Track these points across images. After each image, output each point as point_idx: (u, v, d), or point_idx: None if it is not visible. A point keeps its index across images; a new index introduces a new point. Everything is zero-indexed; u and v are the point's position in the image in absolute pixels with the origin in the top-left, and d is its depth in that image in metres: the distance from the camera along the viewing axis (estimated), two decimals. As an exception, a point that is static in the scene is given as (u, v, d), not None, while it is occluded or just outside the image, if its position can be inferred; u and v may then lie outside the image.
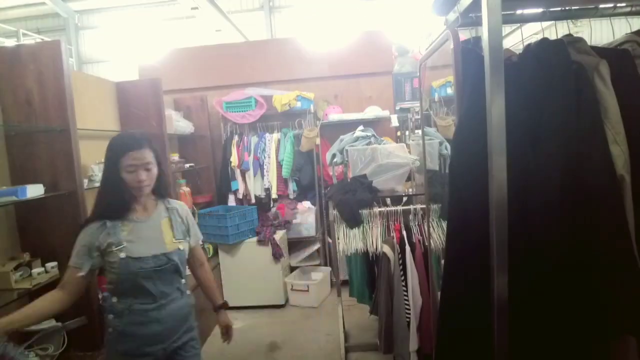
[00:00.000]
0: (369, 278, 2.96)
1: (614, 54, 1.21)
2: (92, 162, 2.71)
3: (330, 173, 3.73)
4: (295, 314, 3.82)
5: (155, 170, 1.59)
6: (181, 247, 1.65)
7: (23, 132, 2.16)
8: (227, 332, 1.97)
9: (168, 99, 4.09)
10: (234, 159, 4.32)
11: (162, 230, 1.64)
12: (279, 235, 4.02)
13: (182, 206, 1.77)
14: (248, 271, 3.87)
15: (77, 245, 1.54)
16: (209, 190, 4.51)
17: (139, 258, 1.54)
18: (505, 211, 1.06)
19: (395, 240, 2.50)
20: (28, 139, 2.16)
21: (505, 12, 1.28)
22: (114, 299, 1.56)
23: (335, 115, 4.35)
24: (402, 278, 2.42)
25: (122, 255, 1.51)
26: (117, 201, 1.56)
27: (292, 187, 4.40)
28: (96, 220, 1.55)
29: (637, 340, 1.22)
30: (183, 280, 1.68)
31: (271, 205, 4.49)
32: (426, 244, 2.45)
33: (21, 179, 2.14)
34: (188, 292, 1.72)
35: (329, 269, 4.25)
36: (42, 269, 2.03)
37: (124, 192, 1.55)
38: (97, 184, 2.58)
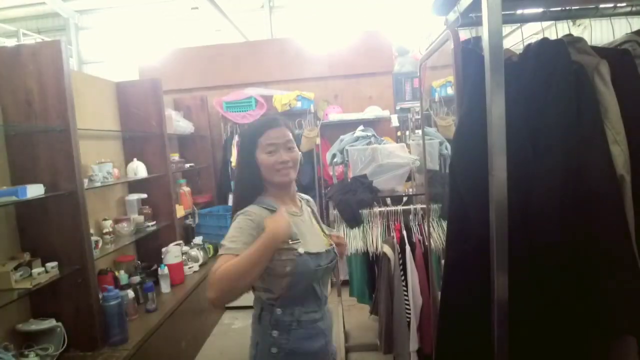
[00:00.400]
0: (369, 278, 2.96)
1: (614, 54, 1.21)
2: (92, 162, 2.72)
3: (331, 173, 3.72)
4: (295, 313, 3.81)
5: (297, 152, 1.35)
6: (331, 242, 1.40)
7: (23, 132, 2.16)
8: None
9: (168, 99, 4.09)
10: (234, 159, 4.32)
11: (314, 223, 1.42)
12: (279, 235, 4.01)
13: (310, 199, 1.54)
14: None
15: (238, 231, 1.23)
16: (209, 190, 4.51)
17: (317, 254, 1.29)
18: (505, 211, 1.06)
19: (395, 240, 2.50)
20: (28, 139, 2.16)
21: (505, 12, 1.28)
22: (279, 311, 1.29)
23: (335, 115, 4.35)
24: (402, 278, 2.42)
25: (301, 250, 1.25)
26: (250, 191, 1.34)
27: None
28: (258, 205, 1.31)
29: (637, 340, 1.22)
30: None
31: (271, 205, 4.48)
32: (426, 243, 2.45)
33: (21, 179, 2.14)
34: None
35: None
36: (42, 268, 2.03)
37: (259, 181, 1.33)
38: (98, 184, 2.61)
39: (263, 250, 1.14)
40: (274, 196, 1.35)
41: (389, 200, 2.96)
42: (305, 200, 1.49)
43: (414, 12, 5.92)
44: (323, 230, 1.44)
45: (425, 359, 2.45)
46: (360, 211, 2.67)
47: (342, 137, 3.36)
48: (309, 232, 1.36)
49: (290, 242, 1.25)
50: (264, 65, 4.69)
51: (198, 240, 3.76)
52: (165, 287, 3.01)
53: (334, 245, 1.39)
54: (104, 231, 2.74)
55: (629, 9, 1.36)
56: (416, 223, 2.62)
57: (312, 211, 1.49)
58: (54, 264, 2.08)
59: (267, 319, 1.31)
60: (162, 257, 3.12)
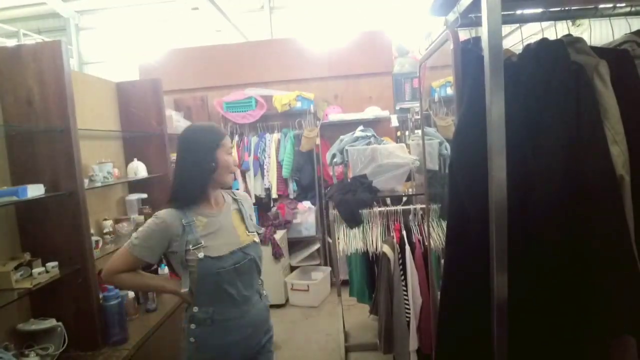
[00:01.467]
0: (369, 278, 2.96)
1: (613, 54, 1.22)
2: (92, 162, 2.72)
3: (330, 173, 3.73)
4: (295, 313, 3.82)
5: None
6: (256, 239, 1.58)
7: (23, 132, 2.16)
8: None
9: (168, 99, 4.09)
10: (234, 159, 4.32)
11: (234, 223, 1.56)
12: (279, 235, 4.02)
13: (247, 197, 1.70)
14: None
15: (146, 233, 1.46)
16: (209, 190, 4.51)
17: (219, 257, 1.45)
18: (504, 211, 1.06)
19: (395, 240, 2.50)
20: (28, 139, 2.16)
21: (504, 13, 1.28)
22: (195, 308, 1.48)
23: (335, 115, 4.35)
24: (402, 278, 2.42)
25: (201, 255, 1.42)
26: (196, 191, 1.49)
27: (292, 187, 4.40)
28: (175, 209, 1.48)
29: (637, 341, 1.22)
30: (260, 280, 1.62)
31: (271, 205, 4.49)
32: (426, 243, 2.45)
33: (21, 179, 2.14)
34: (265, 292, 1.66)
35: (329, 268, 4.25)
36: (43, 268, 2.03)
37: (207, 181, 1.50)
38: (98, 184, 2.61)
39: (156, 289, 1.69)
40: (208, 196, 1.53)
41: (388, 200, 2.96)
42: (237, 198, 1.65)
43: (414, 12, 5.92)
44: (247, 229, 1.58)
45: (424, 358, 2.45)
46: (360, 211, 2.68)
47: (342, 137, 3.36)
48: (221, 232, 1.50)
49: (192, 248, 1.42)
50: (264, 65, 4.70)
51: (198, 240, 3.75)
52: (165, 287, 3.01)
53: (248, 245, 1.53)
54: (105, 231, 2.74)
55: (628, 9, 1.36)
56: (416, 223, 2.62)
57: (240, 209, 1.61)
58: (54, 264, 2.08)
59: (189, 312, 1.50)
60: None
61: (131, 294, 2.59)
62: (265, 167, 4.35)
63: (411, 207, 2.68)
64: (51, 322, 2.08)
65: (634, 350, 1.23)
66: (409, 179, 3.06)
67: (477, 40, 1.25)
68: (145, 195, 3.21)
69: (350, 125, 3.97)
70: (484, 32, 1.04)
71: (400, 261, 2.45)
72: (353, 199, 2.73)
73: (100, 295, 2.28)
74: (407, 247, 2.45)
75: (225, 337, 1.49)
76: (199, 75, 4.76)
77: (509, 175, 1.05)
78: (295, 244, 4.44)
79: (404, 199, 2.96)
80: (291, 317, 3.74)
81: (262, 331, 1.62)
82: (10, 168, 2.17)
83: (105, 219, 2.79)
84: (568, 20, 1.43)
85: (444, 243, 2.21)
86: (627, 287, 1.11)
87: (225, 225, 1.53)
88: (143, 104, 3.29)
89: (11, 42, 7.05)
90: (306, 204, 4.37)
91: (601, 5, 1.34)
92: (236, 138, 4.39)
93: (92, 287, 2.20)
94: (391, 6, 7.39)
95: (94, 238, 2.40)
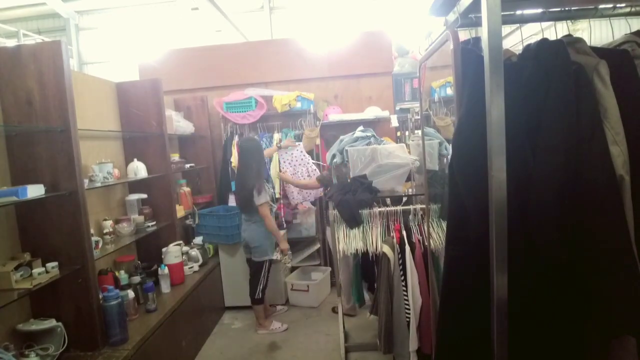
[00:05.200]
0: (360, 277, 3.01)
1: (613, 55, 1.22)
2: (92, 162, 2.72)
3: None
4: (295, 313, 3.82)
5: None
6: None
7: (24, 132, 2.17)
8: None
9: (168, 99, 4.09)
10: (234, 159, 4.32)
11: None
12: (279, 235, 4.01)
13: None
14: (248, 271, 3.87)
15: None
16: (209, 190, 4.51)
17: None
18: (504, 211, 1.06)
19: (395, 240, 2.50)
20: (29, 139, 2.16)
21: (504, 13, 1.28)
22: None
23: (335, 115, 4.35)
24: (402, 278, 2.42)
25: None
26: None
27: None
28: None
29: (637, 341, 1.22)
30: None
31: (271, 205, 4.48)
32: (426, 244, 2.45)
33: (22, 179, 2.14)
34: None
35: (329, 269, 4.25)
36: (43, 269, 2.03)
37: None
38: (98, 184, 2.61)
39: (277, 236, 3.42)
40: None
41: (388, 201, 2.96)
42: None
43: (414, 12, 5.92)
44: None
45: (424, 358, 2.45)
46: (360, 211, 2.68)
47: (342, 137, 3.36)
48: None
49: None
50: (264, 65, 4.69)
51: (198, 240, 3.76)
52: (165, 287, 3.02)
53: None
54: (104, 231, 2.74)
55: (628, 9, 1.36)
56: (416, 223, 2.62)
57: None
58: (54, 264, 2.08)
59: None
60: (162, 257, 3.13)
61: (131, 294, 2.59)
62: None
63: (411, 207, 2.68)
64: (51, 322, 2.09)
65: (634, 350, 1.23)
66: (409, 179, 3.05)
67: (477, 40, 1.25)
68: (145, 196, 3.22)
69: (350, 126, 3.97)
70: (484, 32, 1.04)
71: (400, 261, 2.44)
72: (353, 199, 2.73)
73: (100, 296, 2.28)
74: (407, 247, 2.44)
75: None
76: (199, 75, 4.76)
77: (508, 175, 1.05)
78: (295, 244, 4.44)
79: (404, 199, 2.96)
80: (291, 317, 3.74)
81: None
82: (10, 168, 2.17)
83: (105, 219, 2.80)
84: (567, 21, 1.43)
85: (444, 243, 2.21)
86: (627, 287, 1.11)
87: None
88: (143, 104, 3.30)
89: (11, 42, 7.05)
90: (306, 204, 4.37)
91: (601, 6, 1.34)
92: (236, 138, 4.39)
93: (92, 287, 2.20)
94: (391, 6, 7.40)
95: (94, 238, 2.40)
